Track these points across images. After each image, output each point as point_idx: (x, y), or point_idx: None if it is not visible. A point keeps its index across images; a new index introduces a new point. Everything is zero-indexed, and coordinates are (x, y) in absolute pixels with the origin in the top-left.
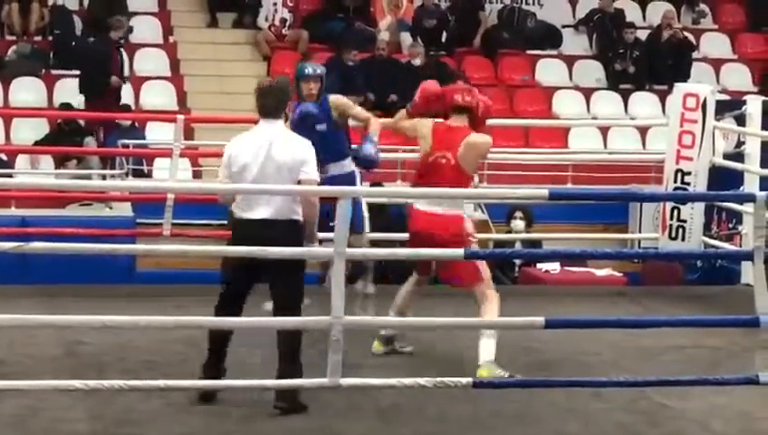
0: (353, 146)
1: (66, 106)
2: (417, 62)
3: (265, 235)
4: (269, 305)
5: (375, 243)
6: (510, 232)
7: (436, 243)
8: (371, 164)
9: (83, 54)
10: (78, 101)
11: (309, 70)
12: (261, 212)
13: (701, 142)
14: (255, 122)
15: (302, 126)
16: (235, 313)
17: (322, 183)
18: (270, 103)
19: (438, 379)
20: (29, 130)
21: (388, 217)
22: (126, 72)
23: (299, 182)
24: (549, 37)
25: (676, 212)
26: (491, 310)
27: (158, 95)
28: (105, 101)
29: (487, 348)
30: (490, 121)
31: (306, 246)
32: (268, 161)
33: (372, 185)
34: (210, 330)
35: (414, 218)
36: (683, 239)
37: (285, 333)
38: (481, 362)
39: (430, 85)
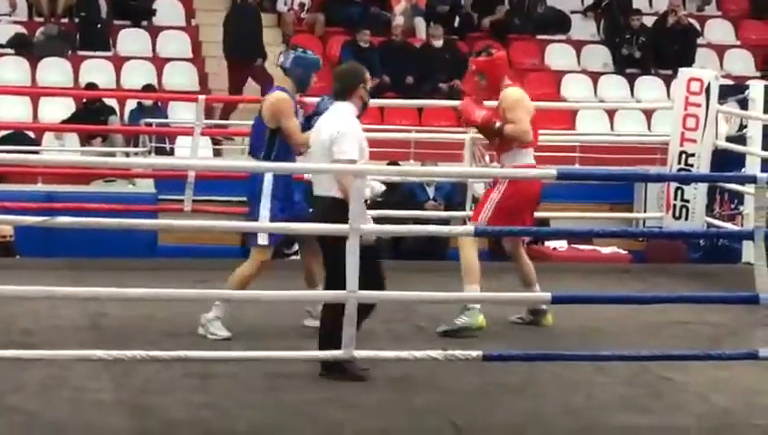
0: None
1: (91, 86)
2: (438, 44)
3: (315, 210)
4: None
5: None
6: None
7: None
8: None
9: (236, 18)
10: (103, 81)
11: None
12: (315, 189)
13: (704, 125)
14: None
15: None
16: None
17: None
18: (335, 86)
19: (449, 352)
20: (56, 109)
21: (400, 194)
22: None
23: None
24: (558, 23)
25: (679, 192)
26: None
27: (180, 76)
28: (249, 66)
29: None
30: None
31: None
32: (317, 140)
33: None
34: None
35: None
36: (686, 219)
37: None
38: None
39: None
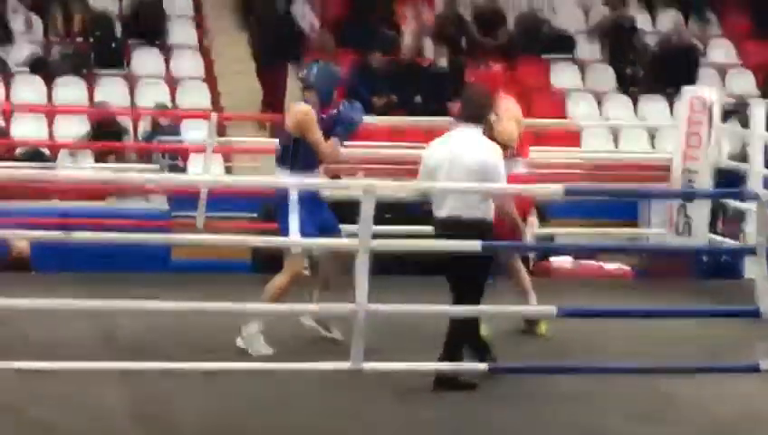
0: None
1: (101, 105)
2: (443, 63)
3: (449, 232)
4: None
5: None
6: None
7: None
8: (352, 127)
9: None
10: (117, 99)
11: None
12: (444, 211)
13: (707, 143)
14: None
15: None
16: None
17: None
18: (468, 109)
19: (457, 364)
20: (71, 127)
21: (408, 211)
22: None
23: None
24: (563, 43)
25: (683, 209)
26: None
27: (193, 95)
28: (277, 72)
29: None
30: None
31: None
32: (457, 164)
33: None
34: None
35: None
36: (689, 235)
37: (453, 323)
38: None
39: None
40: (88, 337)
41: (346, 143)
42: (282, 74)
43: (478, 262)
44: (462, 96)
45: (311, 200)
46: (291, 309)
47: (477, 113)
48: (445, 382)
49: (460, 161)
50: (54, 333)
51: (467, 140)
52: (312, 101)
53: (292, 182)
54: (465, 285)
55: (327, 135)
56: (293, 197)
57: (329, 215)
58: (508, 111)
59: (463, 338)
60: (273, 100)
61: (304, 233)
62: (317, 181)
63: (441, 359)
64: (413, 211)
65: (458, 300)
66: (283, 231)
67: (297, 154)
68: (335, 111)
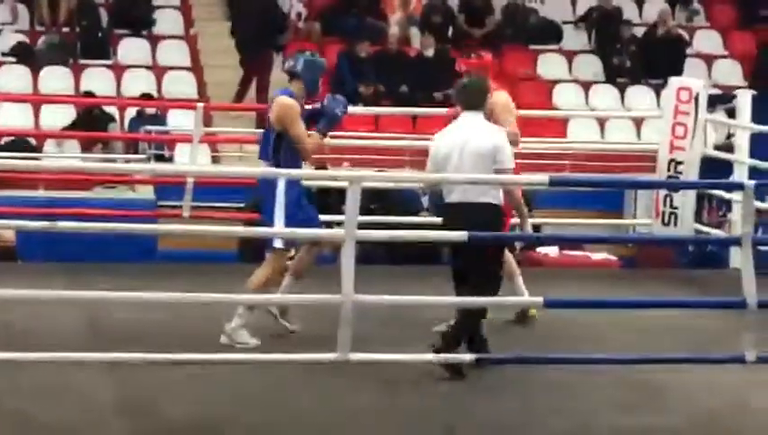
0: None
1: (89, 94)
2: (429, 53)
3: (460, 217)
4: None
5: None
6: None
7: None
8: (335, 121)
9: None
10: (103, 89)
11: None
12: (455, 196)
13: (693, 133)
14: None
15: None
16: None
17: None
18: (467, 98)
19: (443, 355)
20: (57, 117)
21: (394, 202)
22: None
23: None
24: (550, 33)
25: (668, 199)
26: None
27: (179, 84)
28: (261, 61)
29: None
30: None
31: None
32: (467, 151)
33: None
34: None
35: None
36: (675, 225)
37: (462, 312)
38: None
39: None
40: (74, 327)
41: (329, 134)
42: (266, 64)
43: (489, 250)
44: (457, 86)
45: (295, 193)
46: (278, 299)
47: (477, 99)
48: (455, 371)
49: (470, 147)
50: (40, 323)
51: (473, 126)
52: (298, 92)
53: (279, 172)
54: (478, 274)
55: (309, 128)
56: (281, 189)
57: (310, 214)
58: (507, 105)
59: (469, 328)
60: (259, 88)
61: (290, 226)
62: (304, 172)
63: (441, 339)
64: (401, 203)
65: (474, 290)
66: (268, 223)
67: (280, 149)
68: (318, 104)
